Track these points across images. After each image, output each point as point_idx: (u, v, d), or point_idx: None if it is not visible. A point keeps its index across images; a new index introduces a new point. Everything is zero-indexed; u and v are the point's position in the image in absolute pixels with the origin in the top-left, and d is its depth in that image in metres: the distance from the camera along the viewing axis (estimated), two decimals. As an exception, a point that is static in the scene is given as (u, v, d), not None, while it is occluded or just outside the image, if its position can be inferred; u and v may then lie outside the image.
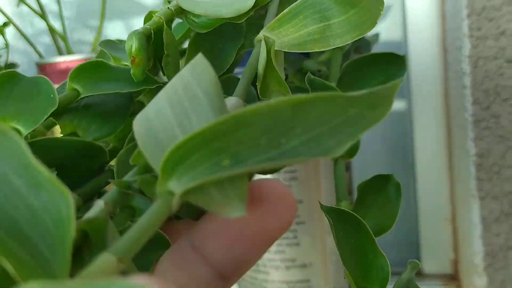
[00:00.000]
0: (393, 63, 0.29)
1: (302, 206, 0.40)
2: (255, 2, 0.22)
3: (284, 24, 0.22)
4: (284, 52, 0.35)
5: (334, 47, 0.21)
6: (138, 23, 0.52)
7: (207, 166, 0.14)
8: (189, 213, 0.17)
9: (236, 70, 0.29)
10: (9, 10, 0.50)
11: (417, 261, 0.25)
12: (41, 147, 0.18)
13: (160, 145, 0.15)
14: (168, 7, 0.22)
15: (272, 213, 0.15)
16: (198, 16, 0.23)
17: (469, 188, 0.47)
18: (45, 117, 0.19)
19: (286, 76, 0.30)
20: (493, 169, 0.46)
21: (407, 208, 0.59)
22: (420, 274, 0.55)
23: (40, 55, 0.53)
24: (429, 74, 0.51)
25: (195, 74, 0.16)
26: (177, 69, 0.23)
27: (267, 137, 0.15)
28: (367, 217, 0.26)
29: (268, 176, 0.22)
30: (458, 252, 0.53)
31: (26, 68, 0.58)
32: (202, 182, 0.14)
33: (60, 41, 0.51)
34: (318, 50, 0.21)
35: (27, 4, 0.42)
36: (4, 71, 0.20)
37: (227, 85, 0.22)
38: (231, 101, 0.19)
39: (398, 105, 0.58)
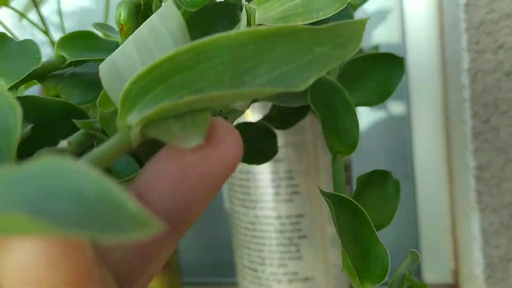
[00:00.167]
0: (391, 64, 0.28)
1: (303, 220, 0.39)
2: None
3: (269, 0, 0.21)
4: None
5: (318, 19, 0.21)
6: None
7: (168, 101, 0.14)
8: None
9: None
10: (10, 22, 0.50)
11: (417, 253, 0.24)
12: (25, 104, 0.18)
13: (122, 81, 0.14)
14: (157, -17, 0.22)
15: (215, 154, 0.14)
16: (188, -2, 0.23)
17: (469, 200, 0.46)
18: (27, 73, 0.18)
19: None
20: (493, 181, 0.45)
21: (408, 218, 0.57)
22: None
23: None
24: (428, 86, 0.50)
25: (162, 17, 0.15)
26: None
27: (230, 74, 0.14)
28: (366, 211, 0.25)
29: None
30: (459, 262, 0.52)
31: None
32: (162, 115, 0.13)
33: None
34: (301, 23, 0.20)
35: (29, 20, 0.42)
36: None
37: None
38: None
39: (398, 113, 0.57)
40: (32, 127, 0.17)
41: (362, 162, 0.55)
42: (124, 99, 0.14)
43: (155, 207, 0.14)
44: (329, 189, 0.38)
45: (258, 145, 0.26)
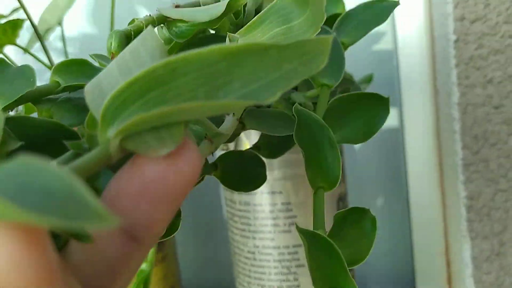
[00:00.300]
0: (377, 104, 0.28)
1: (301, 250, 0.39)
2: (226, 7, 0.22)
3: (253, 30, 0.22)
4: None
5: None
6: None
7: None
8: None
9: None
10: (14, 56, 0.50)
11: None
12: (18, 123, 0.19)
13: (104, 98, 0.15)
14: (150, 14, 0.23)
15: (174, 169, 0.14)
16: (178, 26, 0.24)
17: (460, 228, 0.46)
18: (21, 94, 0.19)
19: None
20: (483, 210, 0.45)
21: (402, 241, 0.57)
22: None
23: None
24: (421, 117, 0.51)
25: (142, 40, 0.16)
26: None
27: (204, 89, 0.14)
28: (341, 247, 0.25)
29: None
30: (452, 285, 0.51)
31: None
32: (139, 127, 0.14)
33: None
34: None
35: (33, 55, 0.42)
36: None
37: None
38: None
39: (393, 143, 0.57)
40: (24, 145, 0.18)
41: (359, 191, 0.55)
42: (104, 114, 0.14)
43: (121, 222, 0.14)
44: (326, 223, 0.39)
45: (247, 173, 0.26)
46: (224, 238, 0.56)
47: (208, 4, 0.26)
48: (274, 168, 0.39)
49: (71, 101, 0.21)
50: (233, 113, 0.19)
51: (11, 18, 0.43)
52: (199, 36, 0.25)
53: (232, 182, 0.25)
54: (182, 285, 0.51)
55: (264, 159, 0.28)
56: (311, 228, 0.24)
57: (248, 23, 0.22)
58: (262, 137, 0.27)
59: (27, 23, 0.39)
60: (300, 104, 0.29)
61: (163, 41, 0.25)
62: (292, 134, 0.25)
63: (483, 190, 0.45)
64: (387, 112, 0.28)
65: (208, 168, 0.23)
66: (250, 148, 0.27)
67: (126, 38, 0.22)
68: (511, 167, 0.45)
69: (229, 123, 0.19)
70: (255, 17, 0.22)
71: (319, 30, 0.20)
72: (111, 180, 0.14)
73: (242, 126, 0.25)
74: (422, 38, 0.49)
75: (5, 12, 0.43)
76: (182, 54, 0.14)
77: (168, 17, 0.23)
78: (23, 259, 0.11)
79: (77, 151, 0.17)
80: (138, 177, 0.14)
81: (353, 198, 0.49)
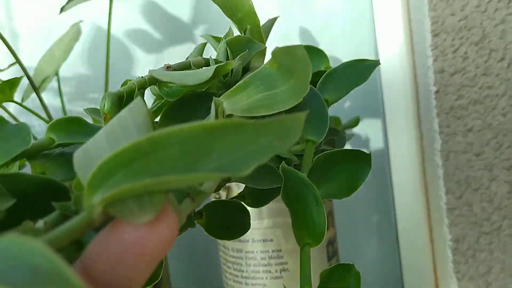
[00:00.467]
0: (360, 160, 0.29)
1: None
2: (214, 72, 0.23)
3: (238, 94, 0.23)
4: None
5: (278, 111, 0.22)
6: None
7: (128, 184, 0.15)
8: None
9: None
10: (12, 107, 0.50)
11: None
12: (10, 179, 0.19)
13: (92, 167, 0.15)
14: (142, 76, 0.24)
15: (152, 233, 0.15)
16: (169, 86, 0.24)
17: (447, 270, 0.46)
18: (17, 153, 0.20)
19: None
20: (468, 252, 0.45)
21: (393, 284, 0.57)
22: None
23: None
24: (408, 164, 0.51)
25: (130, 111, 0.17)
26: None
27: (185, 161, 0.15)
28: None
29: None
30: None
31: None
32: (123, 195, 0.14)
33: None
34: (264, 114, 0.22)
35: (29, 110, 0.42)
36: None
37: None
38: None
39: (383, 191, 0.57)
40: (16, 202, 0.18)
41: (349, 239, 0.55)
42: (90, 181, 0.15)
43: (99, 281, 0.15)
44: (315, 264, 0.39)
45: (231, 221, 0.26)
46: (219, 283, 0.56)
47: (199, 65, 0.27)
48: (264, 217, 0.39)
49: (64, 156, 0.22)
50: None
51: (7, 71, 0.43)
52: (189, 92, 0.26)
53: (217, 231, 0.25)
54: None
55: (254, 208, 0.28)
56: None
57: (234, 87, 0.23)
58: (247, 187, 0.28)
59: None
60: (285, 159, 0.29)
61: (153, 102, 0.25)
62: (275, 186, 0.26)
63: (468, 233, 0.45)
64: (369, 167, 0.28)
65: (192, 219, 0.23)
66: (235, 197, 0.27)
67: (119, 99, 0.23)
68: (493, 211, 0.46)
69: (211, 181, 0.20)
70: (241, 81, 0.23)
71: (301, 99, 0.21)
72: (92, 242, 0.15)
73: (227, 178, 0.25)
74: (407, 89, 0.50)
75: (1, 66, 0.43)
76: (165, 130, 0.15)
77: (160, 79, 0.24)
78: None
79: (63, 212, 0.17)
80: (118, 241, 0.15)
81: (344, 254, 0.50)
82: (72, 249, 0.18)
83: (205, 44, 0.30)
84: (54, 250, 0.13)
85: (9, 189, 0.19)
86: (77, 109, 0.58)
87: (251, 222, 0.39)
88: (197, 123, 0.15)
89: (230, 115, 0.23)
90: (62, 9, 0.36)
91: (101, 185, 0.15)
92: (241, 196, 0.28)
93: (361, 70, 0.33)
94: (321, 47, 0.41)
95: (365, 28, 0.55)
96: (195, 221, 0.24)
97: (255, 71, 0.23)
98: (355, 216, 0.58)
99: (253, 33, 0.29)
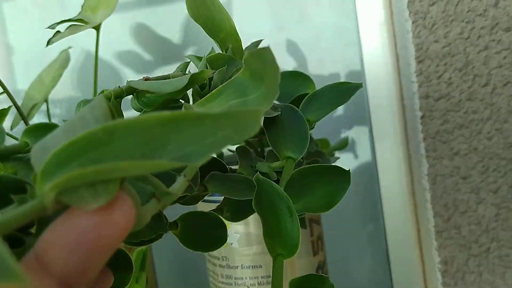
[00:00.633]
0: (339, 176, 0.28)
1: None
2: (189, 79, 0.23)
3: (211, 101, 0.23)
4: (246, 144, 0.36)
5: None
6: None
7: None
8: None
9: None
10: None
11: None
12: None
13: (47, 156, 0.15)
14: (119, 86, 0.24)
15: (108, 220, 0.14)
16: (146, 96, 0.24)
17: (436, 293, 0.45)
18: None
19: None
20: (458, 275, 0.44)
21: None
22: None
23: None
24: (397, 188, 0.51)
25: (91, 107, 0.17)
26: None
27: (140, 151, 0.15)
28: None
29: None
30: None
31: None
32: (74, 182, 0.14)
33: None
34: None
35: (16, 138, 0.42)
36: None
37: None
38: None
39: (371, 210, 0.57)
40: None
41: (340, 262, 0.54)
42: (44, 169, 0.15)
43: (51, 270, 0.14)
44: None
45: (207, 234, 0.26)
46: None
47: (177, 77, 0.27)
48: (254, 243, 0.39)
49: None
50: (184, 174, 0.19)
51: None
52: (169, 106, 0.26)
53: (191, 242, 0.25)
54: None
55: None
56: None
57: (208, 95, 0.23)
58: (225, 200, 0.27)
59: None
60: (264, 174, 0.29)
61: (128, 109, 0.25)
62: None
63: (457, 255, 0.44)
64: (348, 184, 0.28)
65: (164, 225, 0.23)
66: (213, 210, 0.27)
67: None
68: (481, 233, 0.45)
69: (178, 183, 0.19)
70: (215, 89, 0.23)
71: (271, 104, 0.21)
72: (46, 230, 0.15)
73: (204, 189, 0.25)
74: (394, 114, 0.50)
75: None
76: (121, 120, 0.14)
77: (137, 89, 0.24)
78: None
79: (20, 204, 0.17)
80: (72, 228, 0.14)
81: (336, 277, 0.49)
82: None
83: (188, 63, 0.30)
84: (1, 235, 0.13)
85: None
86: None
87: (240, 249, 0.38)
88: (154, 113, 0.15)
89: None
90: (48, 42, 0.36)
91: (54, 174, 0.15)
92: (219, 209, 0.27)
93: (344, 92, 0.33)
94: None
95: (354, 52, 0.55)
96: (167, 228, 0.23)
97: (228, 80, 0.23)
98: (346, 239, 0.57)
99: (235, 52, 0.30)
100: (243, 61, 0.22)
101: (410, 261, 0.50)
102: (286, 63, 0.56)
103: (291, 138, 0.30)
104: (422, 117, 0.45)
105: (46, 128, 0.22)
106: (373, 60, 0.49)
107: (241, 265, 0.39)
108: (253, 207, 0.25)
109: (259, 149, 0.41)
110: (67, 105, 0.60)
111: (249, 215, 0.28)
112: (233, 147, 0.34)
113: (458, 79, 0.44)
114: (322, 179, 0.28)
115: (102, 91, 0.24)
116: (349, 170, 0.28)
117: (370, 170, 0.56)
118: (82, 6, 0.41)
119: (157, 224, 0.22)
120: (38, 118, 0.54)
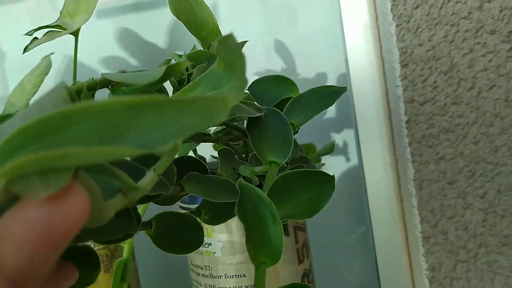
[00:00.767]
0: (323, 182, 0.27)
1: None
2: (165, 71, 0.22)
3: (187, 94, 0.22)
4: (229, 145, 0.34)
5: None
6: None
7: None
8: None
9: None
10: None
11: None
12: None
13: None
14: (93, 78, 0.23)
15: (59, 212, 0.13)
16: (122, 89, 0.23)
17: (424, 300, 0.43)
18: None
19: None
20: (445, 281, 0.43)
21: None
22: None
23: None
24: (384, 194, 0.50)
25: (50, 94, 0.15)
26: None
27: (99, 138, 0.14)
28: None
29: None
30: None
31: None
32: (25, 169, 0.13)
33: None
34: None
35: None
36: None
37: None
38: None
39: (360, 226, 0.55)
40: None
41: (329, 275, 0.53)
42: None
43: (1, 264, 0.13)
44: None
45: (183, 235, 0.24)
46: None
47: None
48: (237, 252, 0.37)
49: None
50: (154, 169, 0.18)
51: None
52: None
53: (165, 244, 0.23)
54: None
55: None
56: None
57: (185, 87, 0.22)
58: (204, 202, 0.26)
59: None
60: (246, 178, 0.28)
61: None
62: (234, 202, 0.24)
63: (444, 261, 0.43)
64: (332, 189, 0.27)
65: (134, 225, 0.21)
66: (191, 211, 0.26)
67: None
68: (469, 239, 0.43)
69: (147, 178, 0.18)
70: (192, 82, 0.22)
71: (244, 94, 0.20)
72: None
73: (180, 189, 0.23)
74: (381, 118, 0.49)
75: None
76: (79, 104, 0.13)
77: (112, 81, 0.23)
78: None
79: None
80: (22, 220, 0.13)
81: (322, 282, 0.47)
82: None
83: (170, 60, 0.29)
84: None
85: None
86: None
87: (223, 258, 0.37)
88: (117, 98, 0.13)
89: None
90: (25, 49, 0.35)
91: (7, 159, 0.13)
92: (197, 211, 0.26)
93: (328, 95, 0.32)
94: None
95: (340, 56, 0.54)
96: (138, 227, 0.22)
97: (204, 73, 0.22)
98: (334, 246, 0.56)
99: (216, 50, 0.28)
100: (215, 52, 0.21)
101: (398, 268, 0.49)
102: (275, 66, 0.55)
103: (275, 142, 0.28)
104: (408, 121, 0.44)
105: (5, 118, 0.21)
106: (358, 63, 0.48)
107: (225, 275, 0.38)
108: (236, 213, 0.23)
109: (243, 155, 0.39)
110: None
111: (228, 219, 0.27)
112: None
113: (443, 82, 0.43)
114: (306, 184, 0.27)
115: (74, 82, 0.23)
116: (333, 175, 0.27)
117: (357, 174, 0.55)
118: (61, 12, 0.40)
119: (126, 222, 0.20)
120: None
